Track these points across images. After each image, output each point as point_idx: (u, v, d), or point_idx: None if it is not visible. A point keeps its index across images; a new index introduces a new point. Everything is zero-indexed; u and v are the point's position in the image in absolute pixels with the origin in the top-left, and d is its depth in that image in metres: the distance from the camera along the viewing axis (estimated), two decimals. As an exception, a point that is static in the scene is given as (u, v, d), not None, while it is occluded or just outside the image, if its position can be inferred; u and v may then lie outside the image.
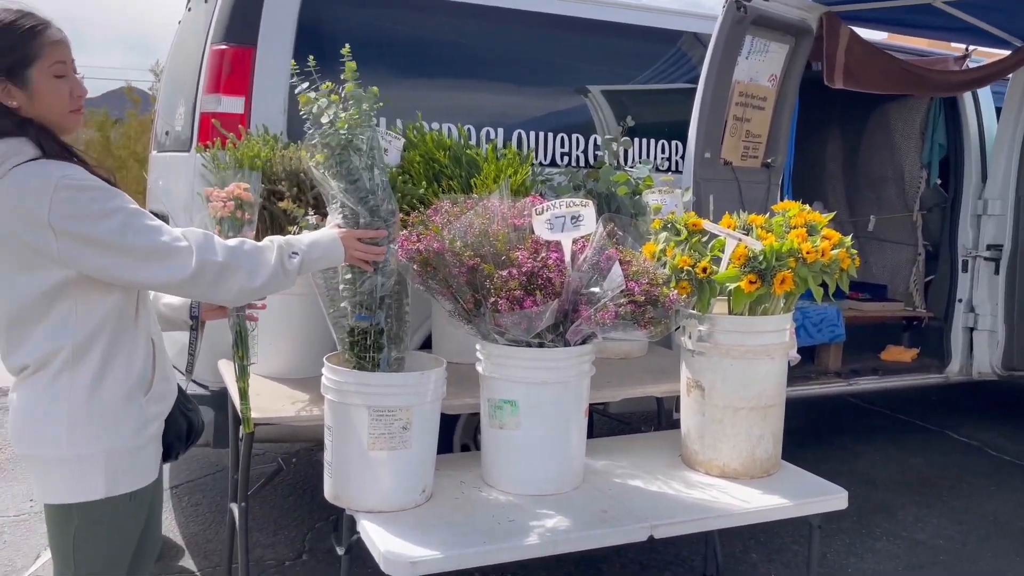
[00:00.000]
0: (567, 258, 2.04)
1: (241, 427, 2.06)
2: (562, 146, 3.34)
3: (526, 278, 1.99)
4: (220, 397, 2.76)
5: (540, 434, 2.08)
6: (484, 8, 3.26)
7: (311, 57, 1.96)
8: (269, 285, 1.70)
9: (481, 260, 2.06)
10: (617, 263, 1.96)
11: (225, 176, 2.11)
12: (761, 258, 2.06)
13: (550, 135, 3.32)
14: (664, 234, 2.31)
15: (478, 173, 2.68)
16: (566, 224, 2.08)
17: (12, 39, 1.54)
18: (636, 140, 3.49)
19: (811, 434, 4.68)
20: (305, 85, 1.95)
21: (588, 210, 2.08)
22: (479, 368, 2.15)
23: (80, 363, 1.59)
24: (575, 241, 2.08)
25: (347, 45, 1.98)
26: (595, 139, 3.40)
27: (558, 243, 2.05)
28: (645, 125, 3.48)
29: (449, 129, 3.10)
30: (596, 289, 1.98)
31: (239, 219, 1.94)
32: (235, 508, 2.51)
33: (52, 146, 1.59)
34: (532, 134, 3.29)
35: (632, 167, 3.03)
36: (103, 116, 11.11)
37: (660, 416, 3.03)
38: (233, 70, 2.81)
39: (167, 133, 3.36)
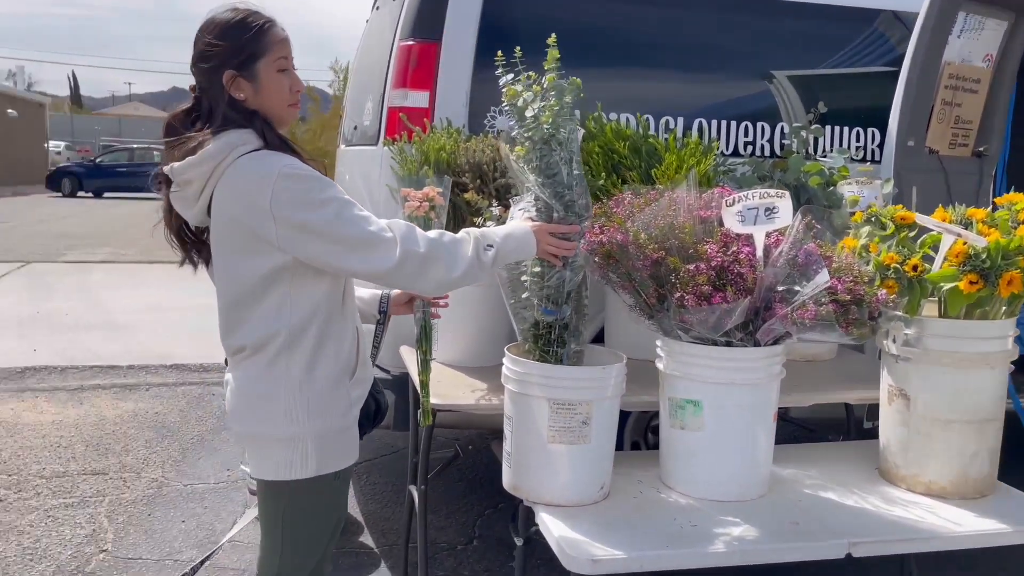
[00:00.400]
0: (759, 252, 1.93)
1: (420, 416, 2.10)
2: (746, 135, 3.18)
3: (715, 273, 1.90)
4: (400, 382, 2.85)
5: (725, 437, 1.98)
6: None
7: (517, 49, 1.95)
8: (466, 277, 1.72)
9: (666, 253, 1.99)
10: (820, 258, 1.83)
11: (418, 177, 2.18)
12: (984, 256, 1.85)
13: (733, 123, 3.17)
14: (867, 228, 2.14)
15: (658, 164, 2.60)
16: (759, 216, 1.97)
17: (244, 35, 1.65)
18: (826, 128, 3.27)
19: None
20: (509, 77, 1.93)
21: (784, 201, 1.95)
22: (660, 365, 2.08)
23: (295, 347, 1.68)
24: (768, 234, 1.96)
25: (552, 35, 1.94)
26: (781, 127, 3.22)
27: (749, 236, 1.95)
28: (836, 111, 3.25)
29: (627, 119, 3.03)
30: (794, 286, 1.85)
31: (430, 219, 1.98)
32: (414, 491, 2.58)
33: (273, 137, 1.69)
34: (714, 122, 3.16)
35: (824, 156, 2.83)
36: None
37: (849, 424, 2.83)
38: (419, 65, 2.89)
39: (355, 128, 3.51)
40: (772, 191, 1.97)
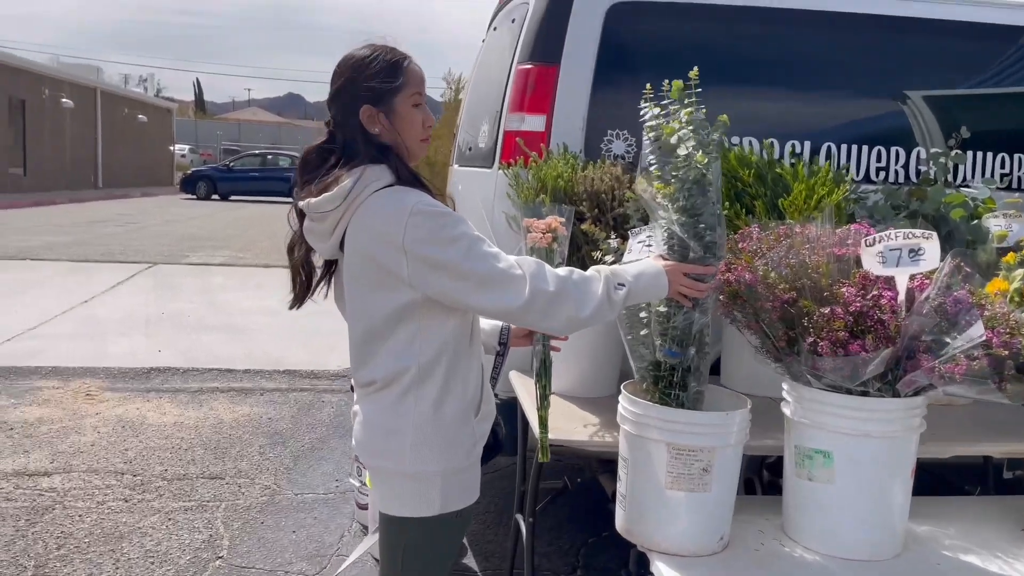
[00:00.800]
0: (901, 297, 1.80)
1: (538, 453, 2.06)
2: (878, 160, 3.01)
3: (852, 318, 1.78)
4: (509, 407, 2.83)
5: (857, 492, 1.86)
6: (791, 12, 3.02)
7: (669, 82, 1.88)
8: (596, 316, 1.68)
9: (798, 294, 1.89)
10: (973, 308, 1.69)
11: (535, 206, 2.14)
12: None
13: (864, 147, 3.00)
14: (1021, 271, 1.97)
15: (786, 193, 2.48)
16: (902, 258, 1.84)
17: (383, 70, 1.68)
18: (967, 153, 3.05)
19: None
20: (656, 112, 1.87)
21: (931, 243, 1.82)
22: (786, 411, 1.98)
23: (424, 383, 1.68)
24: (912, 277, 1.83)
25: (695, 68, 1.87)
26: (917, 152, 3.02)
27: (890, 279, 1.82)
28: (978, 135, 3.03)
29: (751, 142, 2.91)
30: (943, 337, 1.72)
31: (552, 250, 1.95)
32: (521, 521, 2.55)
33: (405, 173, 1.70)
34: (843, 147, 2.99)
35: (966, 185, 2.64)
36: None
37: (987, 472, 2.62)
38: (536, 89, 2.86)
39: (470, 149, 3.52)
40: (917, 231, 1.83)
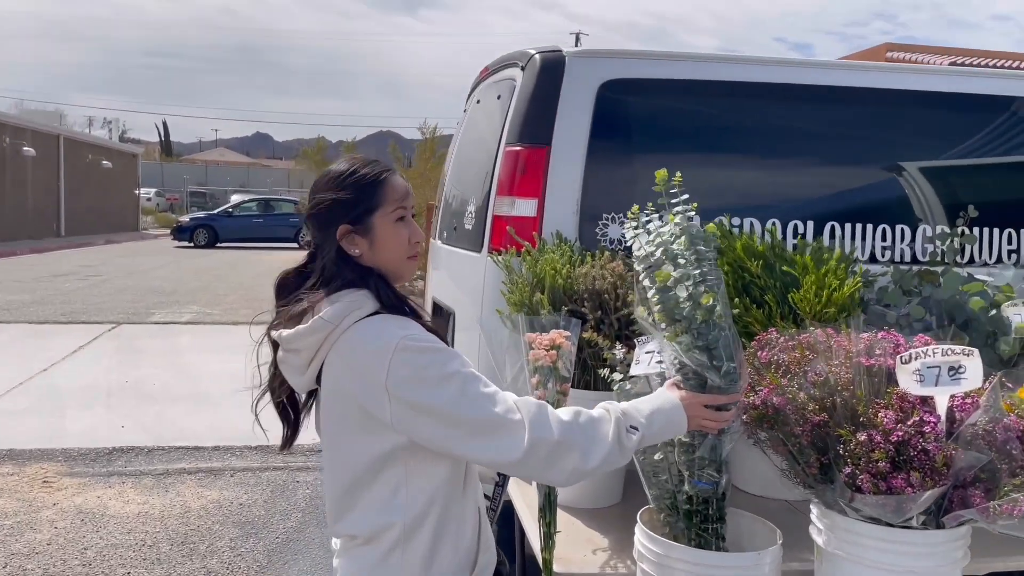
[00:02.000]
0: (942, 420, 1.65)
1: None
2: (883, 239, 2.88)
3: (894, 448, 1.62)
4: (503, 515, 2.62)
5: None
6: (790, 87, 2.92)
7: (673, 216, 1.73)
8: (604, 465, 1.49)
9: (829, 415, 1.73)
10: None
11: (532, 306, 1.97)
12: None
13: (868, 226, 2.88)
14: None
15: (795, 287, 2.33)
16: (941, 377, 1.69)
17: (359, 189, 1.53)
18: (965, 228, 2.94)
19: None
20: (645, 237, 1.71)
21: (972, 361, 1.67)
22: (817, 539, 1.80)
23: (411, 541, 1.50)
24: (952, 396, 1.68)
25: (678, 174, 1.73)
26: (924, 230, 2.91)
27: (926, 399, 1.67)
28: (979, 207, 2.93)
29: (752, 224, 2.78)
30: (995, 472, 1.56)
31: (556, 369, 1.77)
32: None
33: (390, 298, 1.54)
34: (847, 226, 2.87)
35: (971, 263, 2.51)
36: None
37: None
38: (527, 171, 2.71)
39: (455, 228, 3.35)
40: (957, 348, 1.68)
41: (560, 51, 2.80)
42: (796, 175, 2.98)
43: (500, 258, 2.61)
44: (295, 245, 22.24)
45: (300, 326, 1.50)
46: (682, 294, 1.62)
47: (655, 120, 2.84)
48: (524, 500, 2.27)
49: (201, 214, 27.52)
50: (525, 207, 2.70)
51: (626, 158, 2.77)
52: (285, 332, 1.52)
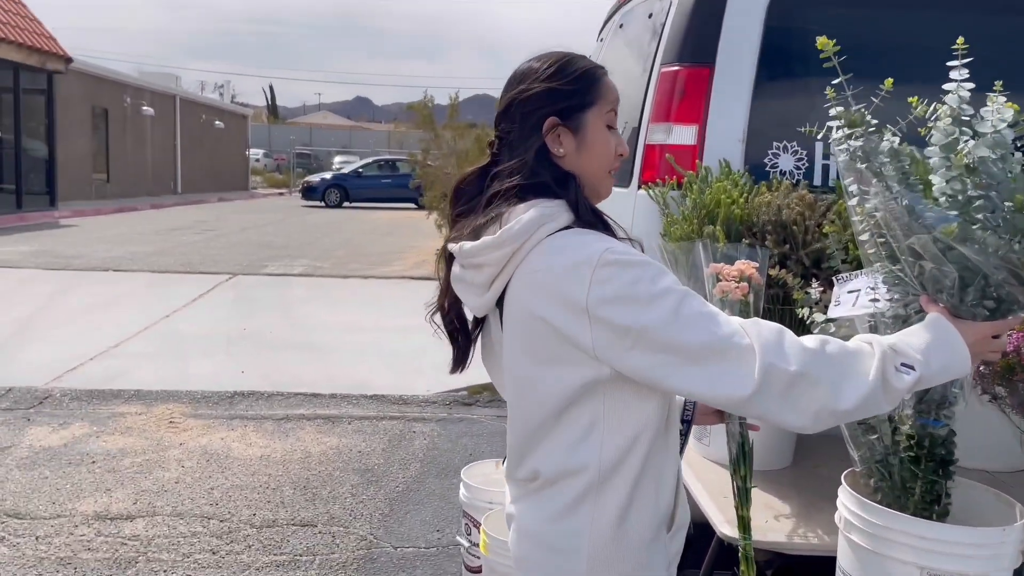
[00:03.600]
0: None
1: (742, 567, 1.61)
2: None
3: None
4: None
5: None
6: None
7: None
8: (862, 408, 1.21)
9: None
10: None
11: (707, 241, 1.71)
12: None
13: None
14: None
15: None
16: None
17: (577, 79, 1.32)
18: None
19: None
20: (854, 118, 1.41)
21: None
22: None
23: (606, 490, 1.28)
24: None
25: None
26: None
27: None
28: None
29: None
30: None
31: (747, 303, 1.51)
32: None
33: (587, 211, 1.31)
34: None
35: None
36: (480, 128, 11.76)
37: None
38: (687, 94, 2.42)
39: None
40: None
41: (725, -43, 2.48)
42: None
43: (656, 191, 2.35)
44: (413, 205, 22.43)
45: (486, 237, 1.28)
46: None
47: (838, 34, 2.48)
48: (692, 473, 2.04)
49: (328, 175, 28.14)
50: (683, 134, 2.42)
51: (802, 80, 2.44)
52: (468, 245, 1.30)
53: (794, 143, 2.40)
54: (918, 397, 1.44)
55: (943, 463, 1.44)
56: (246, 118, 38.99)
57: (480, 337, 1.45)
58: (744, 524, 1.58)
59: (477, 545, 2.81)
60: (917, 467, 1.45)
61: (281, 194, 33.10)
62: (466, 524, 3.02)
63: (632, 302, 1.18)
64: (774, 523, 1.81)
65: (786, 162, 2.41)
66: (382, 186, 25.69)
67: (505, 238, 1.25)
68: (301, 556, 3.27)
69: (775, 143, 2.41)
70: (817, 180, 2.40)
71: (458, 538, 3.16)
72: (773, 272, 1.84)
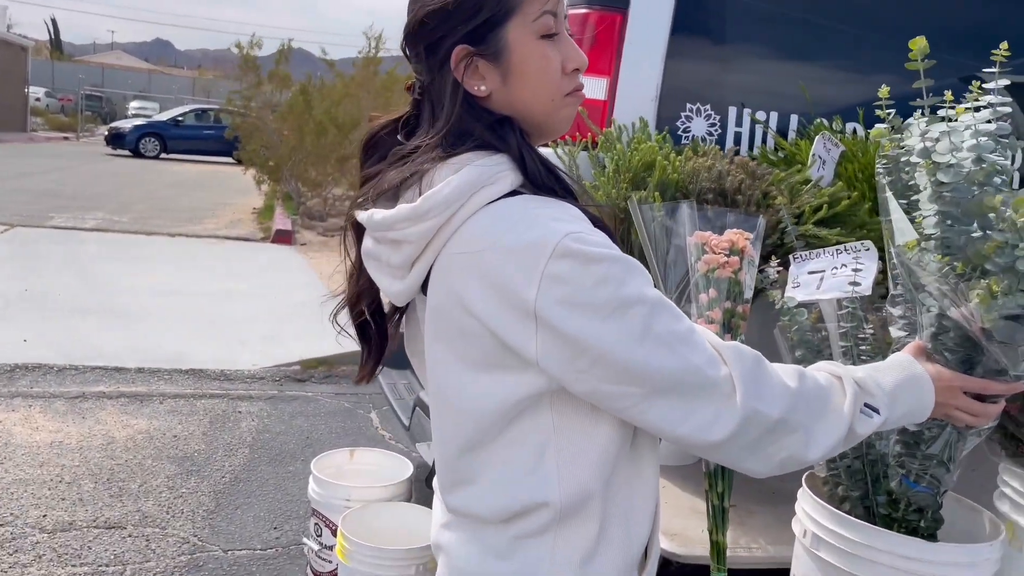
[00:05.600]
0: None
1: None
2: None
3: None
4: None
5: None
6: None
7: None
8: (823, 457, 1.02)
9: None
10: None
11: (651, 211, 1.44)
12: None
13: None
14: None
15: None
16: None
17: None
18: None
19: None
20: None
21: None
22: (1020, 519, 1.40)
23: (565, 529, 0.99)
24: None
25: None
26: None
27: None
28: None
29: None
30: None
31: (737, 283, 1.26)
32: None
33: (539, 169, 0.99)
34: None
35: None
36: (305, 81, 10.94)
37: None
38: (597, 42, 2.13)
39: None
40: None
41: None
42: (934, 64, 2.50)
43: (564, 150, 2.06)
44: (231, 160, 20.88)
45: (403, 204, 0.96)
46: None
47: None
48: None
49: (141, 120, 24.89)
50: (593, 87, 2.13)
51: (719, 38, 2.24)
52: (379, 214, 0.98)
53: (707, 106, 2.20)
54: (907, 453, 1.25)
55: (920, 533, 1.27)
56: (26, 50, 34.52)
57: (404, 327, 1.11)
58: (719, 552, 1.34)
59: (330, 548, 2.44)
60: (889, 528, 1.28)
61: (67, 138, 29.60)
62: (316, 524, 2.63)
63: (593, 311, 0.89)
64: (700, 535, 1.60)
65: (699, 126, 2.20)
66: (203, 137, 22.97)
67: (428, 207, 0.93)
68: (107, 567, 2.72)
69: (688, 105, 2.19)
70: (728, 147, 2.22)
71: (305, 540, 2.76)
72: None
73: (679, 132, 2.19)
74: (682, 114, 2.19)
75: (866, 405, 1.03)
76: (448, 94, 0.99)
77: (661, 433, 0.97)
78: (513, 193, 0.96)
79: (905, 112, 1.34)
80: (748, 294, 1.30)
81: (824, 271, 1.46)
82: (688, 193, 1.71)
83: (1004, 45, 1.17)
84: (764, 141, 2.22)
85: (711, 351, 0.95)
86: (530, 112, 1.01)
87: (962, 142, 1.15)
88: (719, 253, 1.27)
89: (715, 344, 0.96)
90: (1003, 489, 1.46)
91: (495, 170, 0.96)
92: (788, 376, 0.99)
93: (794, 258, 1.50)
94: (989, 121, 1.15)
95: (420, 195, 0.95)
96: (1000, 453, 1.45)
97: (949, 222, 1.13)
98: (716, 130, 2.21)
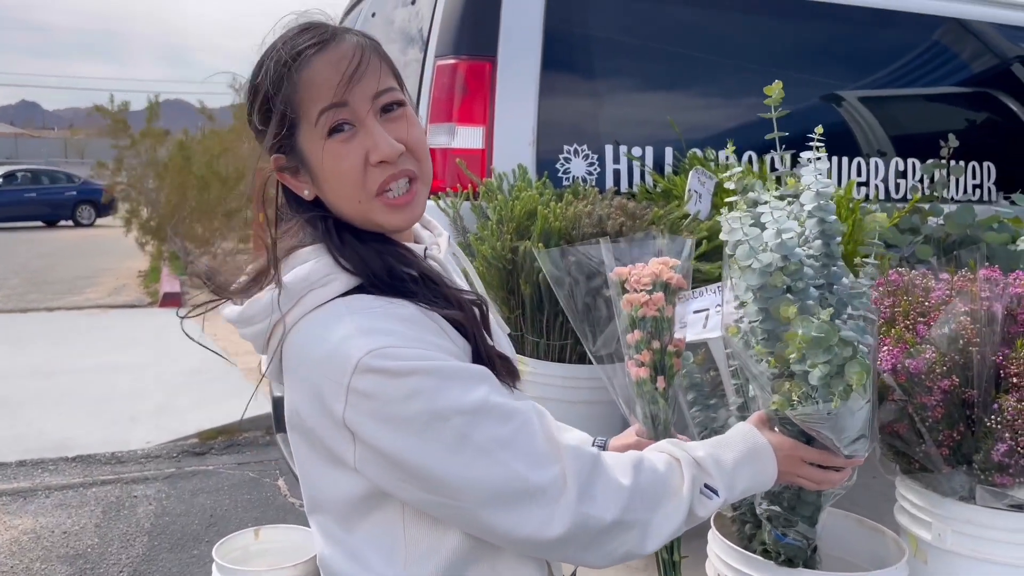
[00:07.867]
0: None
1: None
2: (859, 174, 2.58)
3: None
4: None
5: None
6: None
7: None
8: (666, 541, 1.02)
9: (962, 380, 1.33)
10: None
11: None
12: None
13: (843, 159, 2.56)
14: None
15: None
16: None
17: (263, 98, 0.96)
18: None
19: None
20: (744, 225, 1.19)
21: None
22: (921, 533, 1.43)
23: None
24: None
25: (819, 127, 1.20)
26: (896, 163, 2.63)
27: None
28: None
29: (726, 157, 2.36)
30: None
31: (665, 320, 1.25)
32: None
33: (363, 266, 0.96)
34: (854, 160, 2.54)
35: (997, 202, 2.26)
36: (181, 136, 10.58)
37: None
38: (469, 91, 2.12)
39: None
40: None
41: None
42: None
43: (448, 201, 2.02)
44: (71, 223, 19.87)
45: (246, 303, 0.99)
46: (815, 368, 1.01)
47: (634, 23, 2.32)
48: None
49: None
50: (469, 137, 2.11)
51: (589, 76, 2.26)
52: (230, 310, 1.00)
53: (584, 146, 2.21)
54: (769, 510, 1.26)
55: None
56: None
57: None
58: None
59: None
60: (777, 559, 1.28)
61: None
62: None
63: (405, 425, 0.88)
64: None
65: (578, 167, 2.21)
66: (27, 201, 20.66)
67: (252, 312, 0.96)
68: None
69: (565, 146, 2.20)
70: (608, 185, 2.23)
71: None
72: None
73: (559, 174, 2.19)
74: (560, 156, 2.20)
75: (706, 486, 1.03)
76: (281, 195, 1.03)
77: (500, 541, 0.95)
78: (357, 289, 0.94)
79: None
80: (680, 331, 1.28)
81: (708, 309, 1.46)
82: (572, 239, 1.70)
83: (819, 129, 1.19)
84: (643, 177, 2.24)
85: (542, 449, 0.93)
86: (345, 214, 0.99)
87: (764, 244, 1.11)
88: (640, 291, 1.25)
89: (553, 439, 0.94)
90: (901, 503, 1.49)
91: (327, 271, 0.95)
92: (624, 472, 0.98)
93: (679, 298, 1.50)
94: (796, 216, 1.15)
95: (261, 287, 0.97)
96: (894, 470, 1.49)
97: (761, 318, 1.13)
98: (595, 169, 2.22)
